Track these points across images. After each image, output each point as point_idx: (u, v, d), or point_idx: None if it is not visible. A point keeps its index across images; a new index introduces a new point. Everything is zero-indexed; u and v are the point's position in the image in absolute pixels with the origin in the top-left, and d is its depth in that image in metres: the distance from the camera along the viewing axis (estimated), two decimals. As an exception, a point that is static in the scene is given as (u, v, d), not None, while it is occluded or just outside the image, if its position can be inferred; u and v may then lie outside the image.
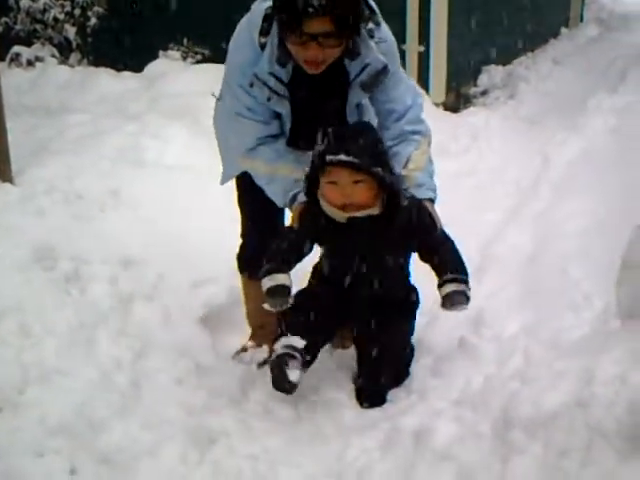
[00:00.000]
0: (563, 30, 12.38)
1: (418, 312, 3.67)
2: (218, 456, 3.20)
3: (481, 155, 6.98)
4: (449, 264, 3.44)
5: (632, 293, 3.05)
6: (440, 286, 3.41)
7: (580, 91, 8.59)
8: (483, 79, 9.59)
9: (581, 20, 13.14)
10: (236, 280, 4.16)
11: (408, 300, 3.63)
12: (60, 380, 3.45)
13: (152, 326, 3.92)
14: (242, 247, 3.91)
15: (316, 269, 3.67)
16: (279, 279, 3.31)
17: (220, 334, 4.10)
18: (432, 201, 3.54)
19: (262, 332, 3.96)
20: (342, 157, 3.17)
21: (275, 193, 3.52)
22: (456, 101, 8.79)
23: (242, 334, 4.05)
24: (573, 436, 2.29)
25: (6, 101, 5.04)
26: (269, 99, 3.37)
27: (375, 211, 3.32)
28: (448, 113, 7.88)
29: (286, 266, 3.36)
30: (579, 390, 2.44)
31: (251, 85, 3.34)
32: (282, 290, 3.30)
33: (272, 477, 3.08)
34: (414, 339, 3.73)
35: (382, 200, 3.31)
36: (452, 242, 3.50)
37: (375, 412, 3.45)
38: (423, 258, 3.54)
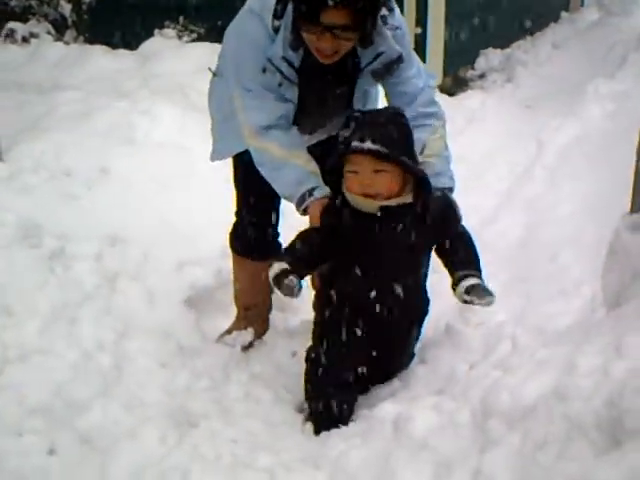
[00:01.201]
0: (563, 14, 12.31)
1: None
2: (198, 440, 3.18)
3: (475, 138, 6.94)
4: (473, 267, 3.21)
5: (618, 282, 3.02)
6: (460, 280, 3.13)
7: (578, 76, 8.53)
8: (481, 62, 9.56)
9: (582, 4, 13.07)
10: (223, 262, 4.13)
11: (423, 310, 3.46)
12: (40, 360, 3.44)
13: (136, 307, 3.92)
14: (235, 225, 3.85)
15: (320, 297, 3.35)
16: (277, 267, 3.02)
17: (205, 316, 4.09)
18: (451, 190, 3.39)
19: (248, 314, 3.95)
20: (368, 145, 2.93)
21: (284, 182, 3.30)
22: (453, 84, 8.77)
23: (227, 317, 4.03)
24: (551, 428, 2.27)
25: (-1, 77, 5.02)
26: (280, 84, 3.25)
27: (407, 199, 3.08)
28: (444, 96, 7.80)
29: (303, 264, 3.08)
30: (559, 381, 2.41)
31: (264, 70, 3.21)
32: (284, 274, 2.99)
33: (250, 462, 3.05)
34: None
35: (412, 188, 3.09)
36: (473, 243, 3.28)
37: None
38: (440, 253, 3.30)
